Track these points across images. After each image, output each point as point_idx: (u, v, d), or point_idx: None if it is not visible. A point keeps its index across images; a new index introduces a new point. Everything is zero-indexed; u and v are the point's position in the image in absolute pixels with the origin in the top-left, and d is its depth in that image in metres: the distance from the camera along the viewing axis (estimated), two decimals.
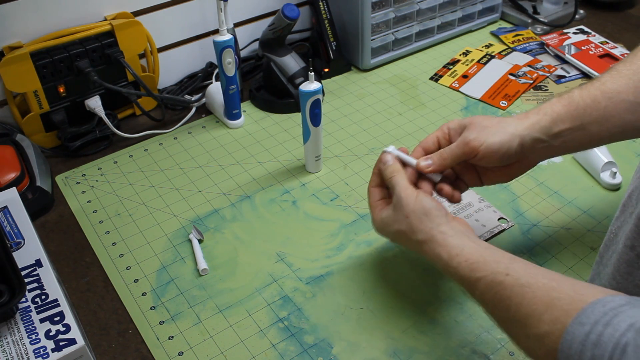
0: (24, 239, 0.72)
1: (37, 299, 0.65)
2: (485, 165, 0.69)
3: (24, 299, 0.64)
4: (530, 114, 0.67)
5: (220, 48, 0.94)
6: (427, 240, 0.62)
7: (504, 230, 0.83)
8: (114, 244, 0.83)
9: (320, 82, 0.95)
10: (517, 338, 0.53)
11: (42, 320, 0.62)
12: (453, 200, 0.71)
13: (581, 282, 0.51)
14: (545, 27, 1.30)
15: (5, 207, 0.76)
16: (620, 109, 0.64)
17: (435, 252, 0.61)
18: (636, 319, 0.43)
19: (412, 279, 0.76)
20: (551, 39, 1.24)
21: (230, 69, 0.97)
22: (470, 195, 0.88)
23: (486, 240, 0.81)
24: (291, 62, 1.06)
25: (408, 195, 0.65)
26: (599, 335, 0.43)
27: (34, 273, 0.67)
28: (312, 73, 0.85)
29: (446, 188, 0.70)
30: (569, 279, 0.51)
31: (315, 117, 0.87)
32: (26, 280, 0.66)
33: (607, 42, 1.21)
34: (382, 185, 0.71)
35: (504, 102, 1.08)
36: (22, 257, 0.69)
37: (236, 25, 1.16)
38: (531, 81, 1.13)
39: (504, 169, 0.69)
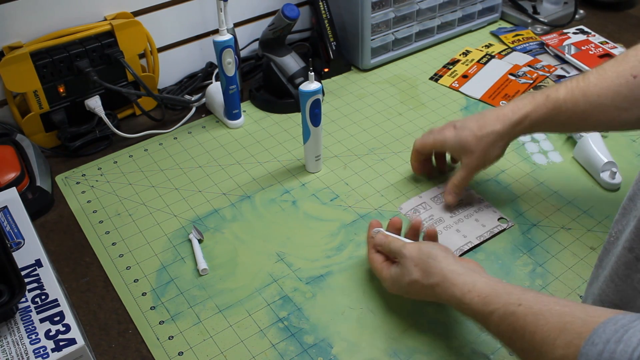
0: (24, 239, 0.72)
1: (37, 299, 0.65)
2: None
3: (24, 299, 0.64)
4: (515, 112, 0.77)
5: (220, 48, 0.94)
6: (439, 282, 0.63)
7: (504, 230, 0.83)
8: (114, 244, 0.83)
9: (320, 82, 0.95)
10: None
11: (42, 320, 0.62)
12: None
13: (592, 306, 0.51)
14: (545, 27, 1.30)
15: (5, 207, 0.76)
16: (596, 112, 0.71)
17: (449, 292, 0.62)
18: None
19: None
20: (551, 39, 1.24)
21: (230, 69, 0.97)
22: (470, 196, 0.88)
23: (486, 240, 0.81)
24: (291, 62, 1.06)
25: (411, 249, 0.67)
26: (612, 353, 0.43)
27: (34, 273, 0.67)
28: (312, 73, 0.85)
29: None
30: (580, 304, 0.52)
31: (315, 117, 0.87)
32: (26, 280, 0.66)
33: (607, 42, 1.22)
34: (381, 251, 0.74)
35: (503, 102, 1.08)
36: (22, 257, 0.69)
37: (236, 25, 1.16)
38: (531, 81, 1.13)
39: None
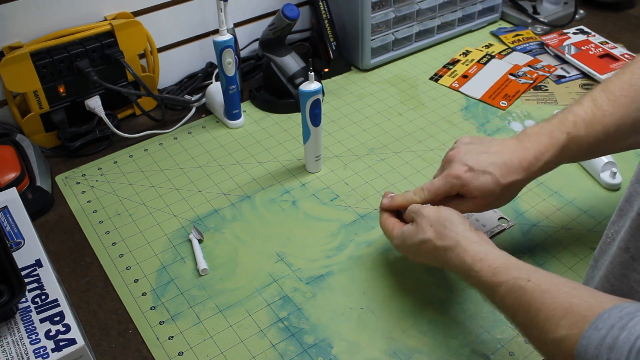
0: (24, 239, 0.72)
1: (37, 299, 0.65)
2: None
3: (24, 299, 0.64)
4: (539, 159, 0.69)
5: (220, 48, 0.94)
6: (452, 246, 0.63)
7: (504, 230, 0.83)
8: (114, 244, 0.83)
9: (320, 82, 0.95)
10: (536, 343, 0.53)
11: (42, 320, 0.62)
12: None
13: (601, 292, 0.51)
14: (545, 27, 1.30)
15: (5, 207, 0.76)
16: (616, 140, 0.68)
17: (460, 257, 0.62)
18: None
19: (412, 278, 0.76)
20: (551, 39, 1.24)
21: (230, 69, 0.97)
22: None
23: None
24: (291, 62, 1.06)
25: (429, 210, 0.68)
26: (615, 339, 0.43)
27: (34, 273, 0.67)
28: (312, 73, 0.85)
29: None
30: (589, 288, 0.52)
31: (315, 117, 0.88)
32: (26, 280, 0.66)
33: (607, 42, 1.21)
34: (394, 214, 0.74)
35: (503, 102, 1.08)
36: (22, 257, 0.69)
37: (236, 25, 1.16)
38: (531, 81, 1.13)
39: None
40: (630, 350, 0.42)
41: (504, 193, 0.70)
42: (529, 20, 1.32)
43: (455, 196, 0.72)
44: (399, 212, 0.75)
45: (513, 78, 1.14)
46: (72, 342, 0.61)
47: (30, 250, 0.70)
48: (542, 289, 0.53)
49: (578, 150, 0.69)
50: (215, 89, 1.06)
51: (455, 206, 0.70)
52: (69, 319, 0.63)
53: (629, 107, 0.67)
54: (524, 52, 1.22)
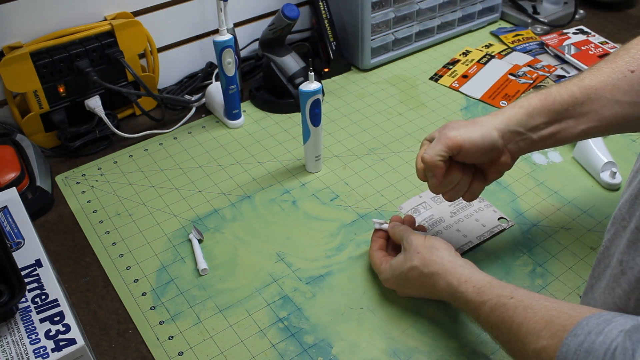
0: (24, 239, 0.72)
1: (37, 299, 0.65)
2: (471, 162, 0.69)
3: (23, 299, 0.64)
4: (505, 109, 0.69)
5: (220, 48, 0.94)
6: (438, 271, 0.66)
7: (504, 230, 0.83)
8: (114, 244, 0.83)
9: (320, 82, 0.95)
10: (518, 356, 0.54)
11: (42, 320, 0.62)
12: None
13: (580, 305, 0.53)
14: (545, 27, 1.30)
15: (5, 207, 0.76)
16: (597, 106, 0.66)
17: (446, 280, 0.65)
18: (626, 325, 0.44)
19: None
20: (551, 39, 1.24)
21: (230, 69, 0.97)
22: None
23: (486, 240, 0.81)
24: (291, 62, 1.06)
25: (417, 237, 0.70)
26: (592, 343, 0.45)
27: (34, 273, 0.67)
28: (312, 73, 0.85)
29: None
30: (569, 303, 0.54)
31: (315, 117, 0.88)
32: (26, 280, 0.66)
33: (607, 42, 1.22)
34: (383, 247, 0.76)
35: (504, 102, 1.08)
36: (22, 257, 0.69)
37: (236, 25, 1.16)
38: (531, 81, 1.13)
39: (492, 165, 0.70)
40: (606, 352, 0.43)
41: (503, 142, 0.67)
42: (529, 20, 1.32)
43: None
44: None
45: (513, 78, 1.14)
46: (72, 342, 0.60)
47: (30, 250, 0.70)
48: (524, 305, 0.55)
49: (553, 103, 0.66)
50: (215, 88, 1.06)
51: (465, 182, 0.69)
52: (69, 319, 0.63)
53: (610, 75, 0.66)
54: (524, 52, 1.22)
